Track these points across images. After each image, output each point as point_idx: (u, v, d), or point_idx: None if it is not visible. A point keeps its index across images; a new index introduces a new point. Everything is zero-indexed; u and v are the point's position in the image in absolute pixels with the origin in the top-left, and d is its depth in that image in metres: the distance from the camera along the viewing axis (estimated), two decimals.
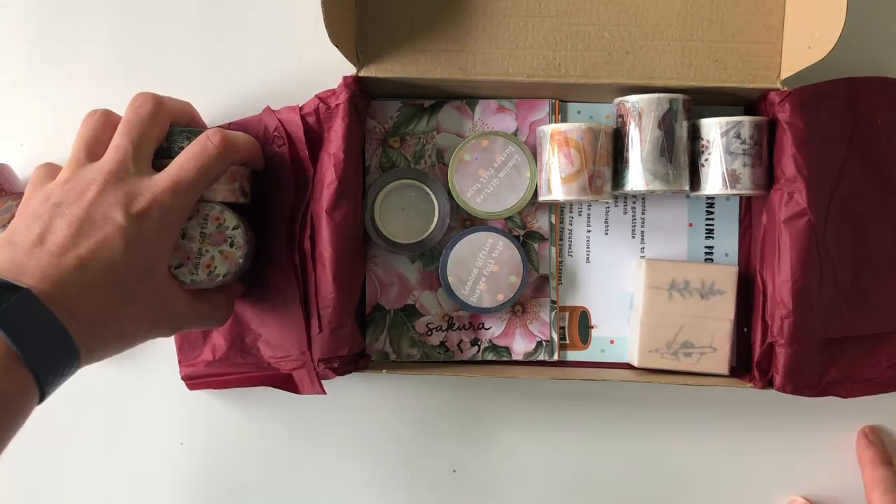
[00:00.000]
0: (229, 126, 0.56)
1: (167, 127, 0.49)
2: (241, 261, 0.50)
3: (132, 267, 0.43)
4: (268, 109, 0.55)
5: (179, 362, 0.57)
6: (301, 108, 0.54)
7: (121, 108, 0.60)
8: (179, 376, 0.57)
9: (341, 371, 0.54)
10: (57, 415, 0.60)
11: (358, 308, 0.57)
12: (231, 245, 0.49)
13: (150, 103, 0.47)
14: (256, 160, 0.53)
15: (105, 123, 0.48)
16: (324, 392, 0.54)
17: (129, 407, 0.60)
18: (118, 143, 0.46)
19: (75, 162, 0.46)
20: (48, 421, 0.60)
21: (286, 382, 0.56)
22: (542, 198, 0.56)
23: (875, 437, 0.58)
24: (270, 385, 0.56)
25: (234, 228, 0.50)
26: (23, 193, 0.58)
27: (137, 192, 0.44)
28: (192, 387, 0.57)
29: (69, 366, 0.41)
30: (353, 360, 0.55)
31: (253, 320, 0.56)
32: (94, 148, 0.47)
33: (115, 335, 0.43)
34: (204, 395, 0.60)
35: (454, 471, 0.60)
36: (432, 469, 0.60)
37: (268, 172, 0.55)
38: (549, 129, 0.54)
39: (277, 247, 0.54)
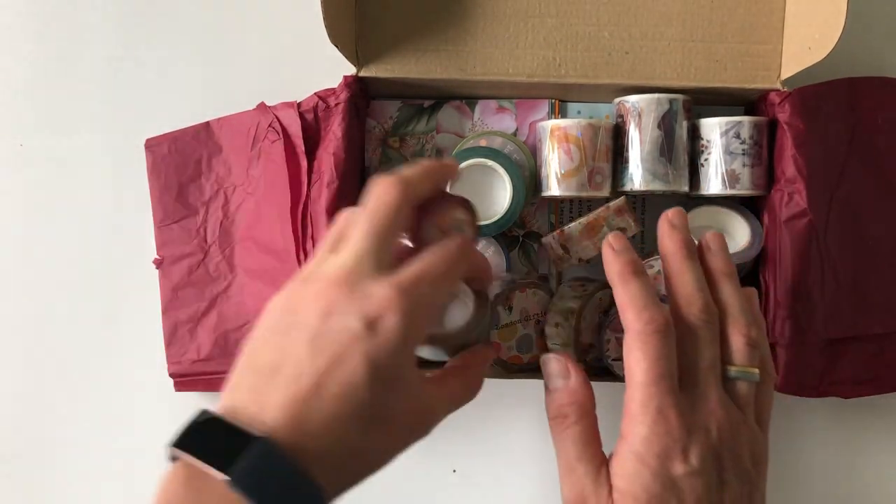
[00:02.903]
0: (221, 122, 0.57)
1: (412, 214, 0.41)
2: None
3: (377, 383, 0.35)
4: (262, 105, 0.56)
5: (167, 359, 0.57)
6: (299, 105, 0.54)
7: (120, 107, 0.60)
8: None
9: None
10: (57, 414, 0.60)
11: None
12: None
13: (393, 190, 0.39)
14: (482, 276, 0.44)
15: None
16: None
17: (130, 407, 0.60)
18: (355, 237, 0.39)
19: (316, 256, 0.40)
20: (48, 420, 0.60)
21: None
22: (542, 194, 0.55)
23: (620, 243, 0.44)
24: None
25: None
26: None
27: (373, 294, 0.37)
28: (178, 387, 0.57)
29: None
30: None
31: (237, 319, 0.56)
32: (338, 243, 0.39)
33: (368, 467, 0.38)
34: (204, 394, 0.60)
35: (454, 471, 0.60)
36: (432, 469, 0.60)
37: (261, 168, 0.55)
38: (549, 124, 0.54)
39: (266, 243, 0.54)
